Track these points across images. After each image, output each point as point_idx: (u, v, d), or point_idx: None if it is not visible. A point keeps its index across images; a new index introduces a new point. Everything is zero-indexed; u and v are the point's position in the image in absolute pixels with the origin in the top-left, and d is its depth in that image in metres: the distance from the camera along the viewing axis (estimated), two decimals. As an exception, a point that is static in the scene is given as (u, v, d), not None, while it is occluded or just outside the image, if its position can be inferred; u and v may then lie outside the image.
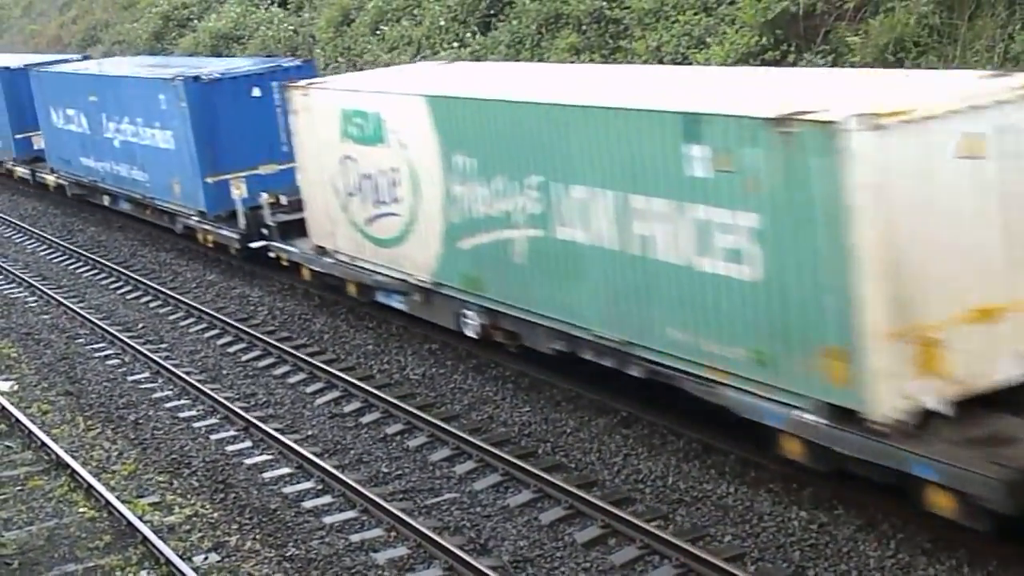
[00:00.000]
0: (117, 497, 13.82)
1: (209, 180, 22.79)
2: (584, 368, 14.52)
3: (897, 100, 10.60)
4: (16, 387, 18.37)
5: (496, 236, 15.00)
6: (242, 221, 21.95)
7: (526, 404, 15.45)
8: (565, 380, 15.43)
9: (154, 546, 12.57)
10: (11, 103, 32.46)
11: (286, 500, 13.67)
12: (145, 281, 23.41)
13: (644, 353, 13.10)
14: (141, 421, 16.53)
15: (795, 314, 11.03)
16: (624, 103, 12.91)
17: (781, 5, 18.88)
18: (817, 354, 10.87)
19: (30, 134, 31.96)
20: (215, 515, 13.43)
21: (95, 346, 20.12)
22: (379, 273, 17.83)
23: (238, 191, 22.04)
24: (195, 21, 38.80)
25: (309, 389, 17.07)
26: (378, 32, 29.54)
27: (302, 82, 19.51)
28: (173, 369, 18.11)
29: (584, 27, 23.19)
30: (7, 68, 32.95)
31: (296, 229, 20.25)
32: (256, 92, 22.54)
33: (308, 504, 13.49)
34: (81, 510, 13.89)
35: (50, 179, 31.28)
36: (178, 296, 22.11)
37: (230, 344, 19.42)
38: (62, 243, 27.72)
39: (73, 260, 26.37)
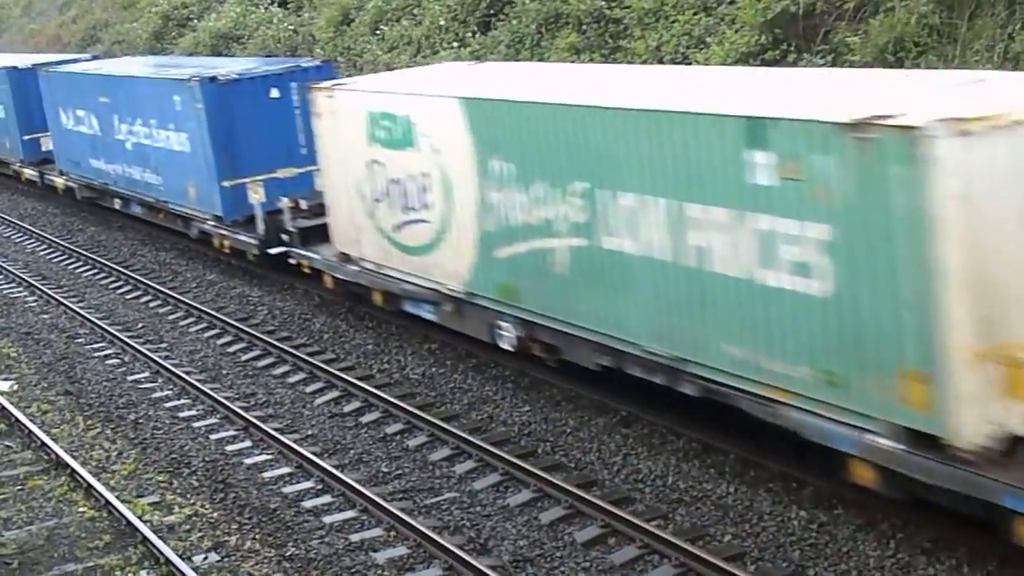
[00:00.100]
0: (117, 497, 13.82)
1: (226, 184, 22.15)
2: (584, 368, 14.55)
3: (978, 103, 9.96)
4: (16, 387, 18.36)
5: (535, 245, 14.36)
6: (260, 226, 21.27)
7: (526, 404, 15.45)
8: (565, 380, 15.42)
9: (154, 546, 12.57)
10: (19, 104, 31.79)
11: (286, 500, 13.67)
12: (145, 281, 23.38)
13: (698, 370, 12.44)
14: (141, 421, 16.53)
15: (869, 332, 10.35)
16: (680, 106, 12.20)
17: (781, 5, 18.87)
18: (894, 375, 10.22)
19: (38, 135, 31.38)
20: (215, 515, 13.43)
21: (95, 346, 20.12)
22: (407, 282, 17.18)
23: (256, 195, 21.47)
24: (195, 21, 38.76)
25: (309, 389, 17.07)
26: (378, 32, 29.53)
27: (326, 83, 18.76)
28: (173, 369, 18.10)
29: (584, 27, 23.20)
30: (15, 68, 32.23)
31: (317, 235, 19.70)
32: (275, 93, 21.91)
33: (308, 504, 13.50)
34: (81, 510, 13.89)
35: (59, 181, 30.58)
36: (178, 296, 22.09)
37: (230, 344, 19.42)
38: (62, 243, 27.68)
39: (73, 260, 26.34)
